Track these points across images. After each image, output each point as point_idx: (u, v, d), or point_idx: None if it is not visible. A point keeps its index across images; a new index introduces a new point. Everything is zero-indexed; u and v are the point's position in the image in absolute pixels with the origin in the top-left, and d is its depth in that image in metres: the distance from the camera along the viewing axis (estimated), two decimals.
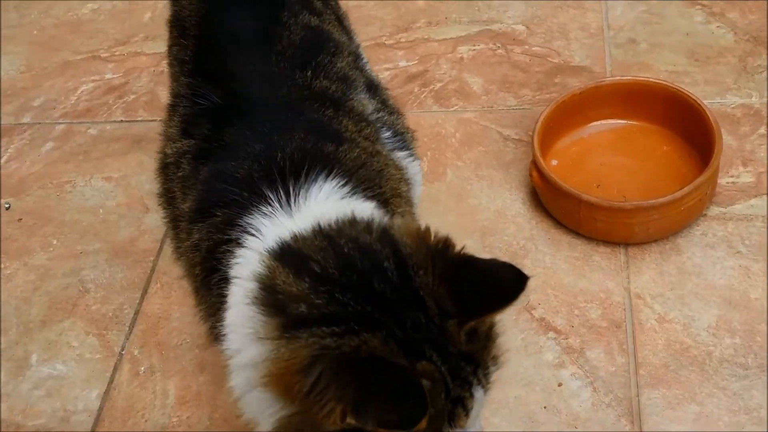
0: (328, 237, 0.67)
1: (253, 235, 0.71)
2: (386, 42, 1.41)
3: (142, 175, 1.26)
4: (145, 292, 1.13)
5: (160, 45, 1.43)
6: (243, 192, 0.74)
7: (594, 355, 0.98)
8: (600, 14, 1.39)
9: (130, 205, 1.23)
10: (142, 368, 1.05)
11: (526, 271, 1.01)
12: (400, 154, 0.90)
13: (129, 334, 1.08)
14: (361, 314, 0.63)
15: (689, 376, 0.95)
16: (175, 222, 0.84)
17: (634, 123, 1.20)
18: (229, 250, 0.72)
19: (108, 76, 1.43)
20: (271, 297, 0.65)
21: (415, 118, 1.28)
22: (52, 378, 1.06)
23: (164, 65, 1.41)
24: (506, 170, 1.19)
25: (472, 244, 1.11)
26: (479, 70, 1.34)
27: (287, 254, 0.67)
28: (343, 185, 0.75)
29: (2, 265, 1.18)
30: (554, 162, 1.17)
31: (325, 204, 0.73)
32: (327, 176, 0.75)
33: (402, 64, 1.37)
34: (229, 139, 0.80)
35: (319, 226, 0.68)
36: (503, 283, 0.66)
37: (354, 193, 0.75)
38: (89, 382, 1.04)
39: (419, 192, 0.94)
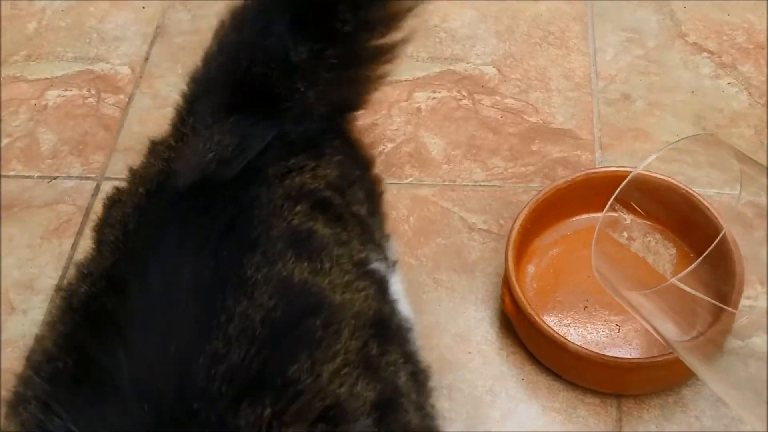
0: None
1: None
2: None
3: (9, 257, 0.99)
4: None
5: (45, 67, 1.15)
6: None
7: None
8: (587, 58, 1.14)
9: None
10: None
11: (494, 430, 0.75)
12: None
13: None
14: None
15: None
16: None
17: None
18: None
19: None
20: None
21: None
22: None
23: (49, 96, 1.15)
24: (471, 274, 0.96)
25: None
26: (440, 128, 1.09)
27: None
28: None
29: None
30: (531, 268, 0.94)
31: None
32: None
33: None
34: None
35: None
36: None
37: None
38: None
39: None
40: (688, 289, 0.70)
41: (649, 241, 0.88)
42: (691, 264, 0.92)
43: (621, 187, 0.73)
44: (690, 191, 0.91)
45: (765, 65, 1.11)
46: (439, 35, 1.18)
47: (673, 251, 0.88)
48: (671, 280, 0.69)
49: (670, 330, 0.73)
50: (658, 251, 0.88)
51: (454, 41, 1.17)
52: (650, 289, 0.69)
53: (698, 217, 0.91)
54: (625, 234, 0.85)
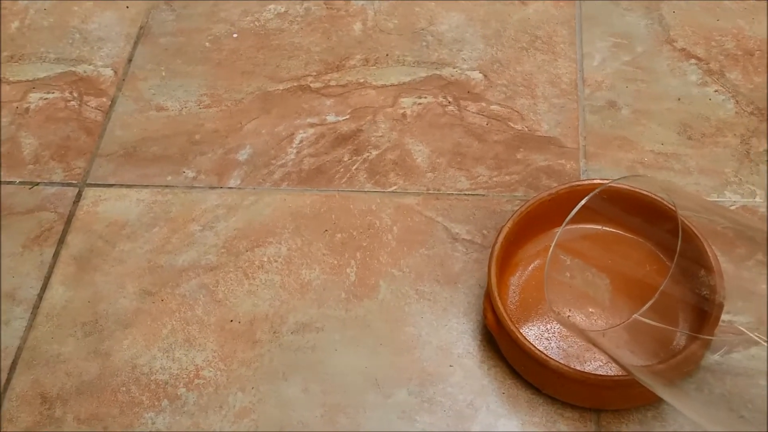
0: None
1: None
2: (312, 85, 1.14)
3: None
4: None
5: (27, 69, 1.14)
6: None
7: None
8: (574, 63, 1.13)
9: None
10: None
11: None
12: None
13: None
14: None
15: None
16: None
17: (612, 230, 0.96)
18: None
19: None
20: None
21: (342, 199, 1.03)
22: None
23: (31, 99, 1.14)
24: (453, 286, 0.96)
25: (406, 397, 0.88)
26: (425, 135, 1.08)
27: None
28: None
29: None
30: (514, 280, 0.94)
31: None
32: None
33: (330, 118, 1.10)
34: None
35: None
36: None
37: None
38: None
39: None
40: (651, 322, 0.70)
41: (587, 275, 0.88)
42: (669, 272, 0.93)
43: (568, 218, 0.76)
44: (659, 199, 0.91)
45: (752, 72, 1.11)
46: (425, 38, 1.17)
47: (607, 281, 0.89)
48: (635, 316, 0.69)
49: (635, 357, 0.73)
50: (596, 283, 0.88)
51: (440, 45, 1.16)
52: (615, 325, 0.69)
53: (686, 240, 0.90)
54: (567, 274, 0.86)
